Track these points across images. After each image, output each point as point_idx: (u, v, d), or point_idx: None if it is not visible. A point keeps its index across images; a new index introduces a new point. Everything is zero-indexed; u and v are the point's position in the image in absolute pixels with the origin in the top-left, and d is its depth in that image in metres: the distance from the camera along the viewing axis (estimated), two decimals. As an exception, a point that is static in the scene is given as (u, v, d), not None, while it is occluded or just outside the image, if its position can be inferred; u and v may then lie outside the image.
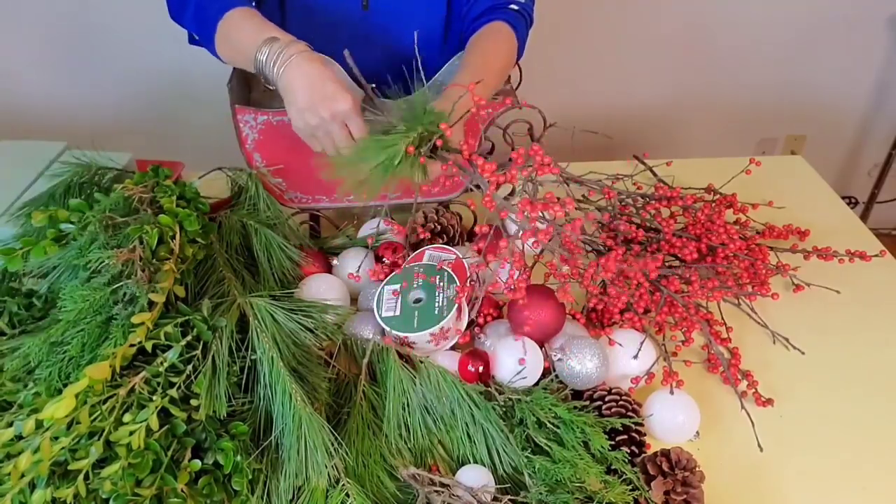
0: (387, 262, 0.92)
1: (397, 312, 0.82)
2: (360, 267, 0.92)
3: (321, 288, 0.88)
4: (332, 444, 0.67)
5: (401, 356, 0.79)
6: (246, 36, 0.84)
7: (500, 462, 0.73)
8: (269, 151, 0.94)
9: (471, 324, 0.85)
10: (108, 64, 1.81)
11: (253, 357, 0.73)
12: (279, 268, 0.89)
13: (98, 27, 1.80)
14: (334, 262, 0.95)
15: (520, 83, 1.13)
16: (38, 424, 0.59)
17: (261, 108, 0.91)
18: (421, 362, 0.79)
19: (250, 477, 0.65)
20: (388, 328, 0.81)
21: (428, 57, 1.09)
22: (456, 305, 0.81)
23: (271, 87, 0.83)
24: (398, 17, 1.08)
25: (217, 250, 0.86)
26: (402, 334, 0.80)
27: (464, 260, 0.88)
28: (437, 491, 0.68)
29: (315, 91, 0.79)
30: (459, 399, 0.76)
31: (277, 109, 0.90)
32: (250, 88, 1.08)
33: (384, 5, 1.07)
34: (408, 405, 0.76)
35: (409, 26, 1.09)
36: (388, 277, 0.88)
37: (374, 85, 0.91)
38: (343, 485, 0.66)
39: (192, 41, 0.96)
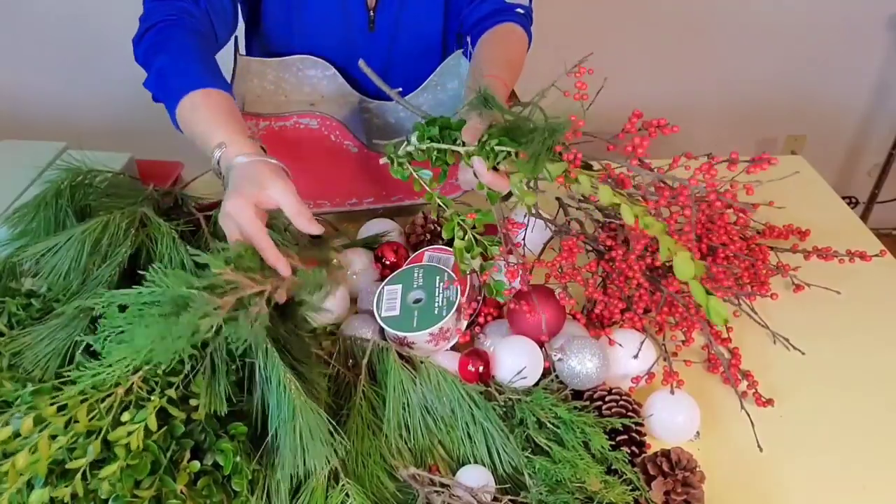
0: (387, 262, 0.92)
1: (397, 312, 0.82)
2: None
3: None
4: (329, 432, 0.66)
5: (401, 356, 0.79)
6: (201, 130, 0.79)
7: (500, 462, 0.73)
8: (269, 155, 0.93)
9: (471, 324, 0.85)
10: (109, 64, 1.81)
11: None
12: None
13: (98, 27, 1.80)
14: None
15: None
16: (38, 421, 0.59)
17: (261, 114, 0.90)
18: (421, 362, 0.79)
19: (250, 478, 0.64)
20: (387, 328, 0.81)
21: (428, 66, 1.10)
22: (455, 305, 0.81)
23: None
24: (401, 34, 1.10)
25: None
26: (401, 334, 0.80)
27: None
28: (437, 491, 0.68)
29: (246, 178, 0.73)
30: (459, 399, 0.76)
31: (278, 115, 0.90)
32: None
33: (389, 26, 1.08)
34: (408, 405, 0.76)
35: (410, 40, 1.10)
36: (387, 277, 0.87)
37: (400, 89, 0.91)
38: (343, 485, 0.66)
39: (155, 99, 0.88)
